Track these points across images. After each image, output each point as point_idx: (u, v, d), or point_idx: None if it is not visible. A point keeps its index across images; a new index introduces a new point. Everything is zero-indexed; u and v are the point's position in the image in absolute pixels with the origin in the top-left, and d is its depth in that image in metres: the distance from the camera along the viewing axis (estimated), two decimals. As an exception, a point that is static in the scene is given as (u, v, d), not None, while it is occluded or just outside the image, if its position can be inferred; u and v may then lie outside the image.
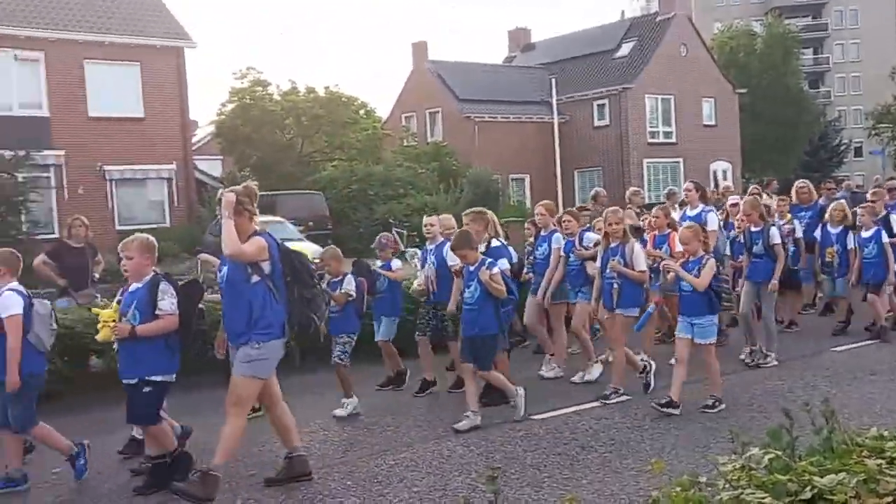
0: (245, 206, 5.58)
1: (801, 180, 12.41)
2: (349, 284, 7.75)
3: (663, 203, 11.39)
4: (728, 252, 10.16)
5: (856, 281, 10.34)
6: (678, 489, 2.63)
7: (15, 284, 6.00)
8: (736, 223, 10.04)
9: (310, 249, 19.53)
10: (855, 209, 10.92)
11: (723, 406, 7.32)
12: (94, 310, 6.21)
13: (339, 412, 7.70)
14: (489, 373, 7.23)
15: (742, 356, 9.16)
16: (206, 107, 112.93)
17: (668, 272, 7.58)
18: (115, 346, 5.89)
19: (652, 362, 8.30)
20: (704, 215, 10.01)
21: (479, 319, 7.07)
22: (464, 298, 7.28)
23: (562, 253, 8.83)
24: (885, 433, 2.89)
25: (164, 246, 15.98)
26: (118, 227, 24.29)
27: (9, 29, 23.78)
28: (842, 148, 57.08)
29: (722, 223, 10.51)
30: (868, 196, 12.22)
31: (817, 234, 10.91)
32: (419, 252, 9.25)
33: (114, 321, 5.75)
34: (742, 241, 9.53)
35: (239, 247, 5.43)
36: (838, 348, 9.86)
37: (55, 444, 6.18)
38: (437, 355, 8.86)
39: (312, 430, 7.32)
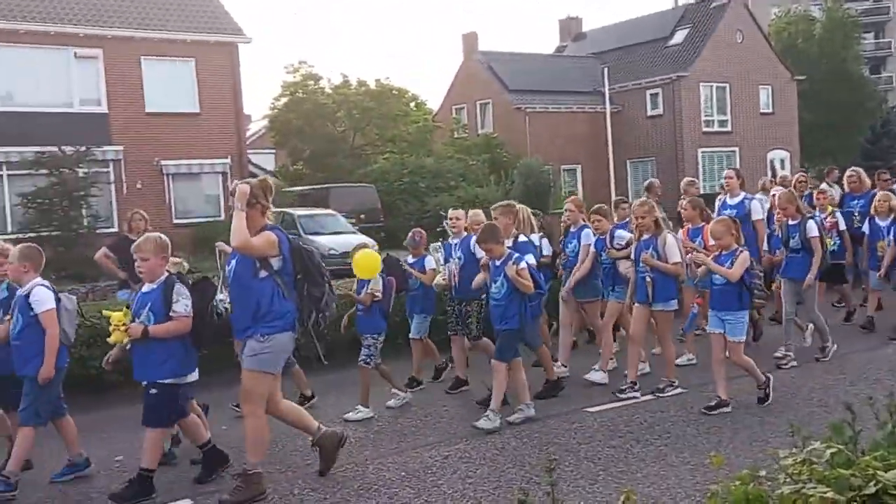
0: (258, 200, 5.51)
1: (852, 168, 11.90)
2: (376, 284, 7.55)
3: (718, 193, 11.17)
4: (766, 247, 9.69)
5: (884, 274, 9.89)
6: (737, 483, 2.59)
7: (41, 280, 6.02)
8: (775, 217, 9.71)
9: (361, 241, 19.74)
10: None
11: (769, 400, 7.20)
12: (105, 312, 6.18)
13: (350, 415, 7.44)
14: (499, 365, 7.03)
15: (777, 354, 8.84)
16: (259, 101, 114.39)
17: (699, 265, 7.44)
18: (127, 346, 5.76)
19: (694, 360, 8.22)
20: (748, 203, 9.76)
21: (505, 314, 6.99)
22: (490, 294, 7.19)
23: (592, 249, 8.60)
24: (953, 428, 2.82)
25: (219, 239, 16.25)
26: (174, 221, 24.77)
27: (68, 27, 24.34)
28: (905, 135, 55.46)
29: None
30: None
31: (866, 227, 10.36)
32: (442, 246, 9.06)
33: (124, 324, 5.68)
34: (780, 235, 9.19)
35: (247, 239, 5.35)
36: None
37: (71, 442, 6.23)
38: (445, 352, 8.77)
39: (367, 421, 7.39)
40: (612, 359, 8.80)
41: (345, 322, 7.89)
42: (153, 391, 5.63)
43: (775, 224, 9.54)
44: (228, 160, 26.90)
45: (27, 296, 5.89)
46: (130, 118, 25.15)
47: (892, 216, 9.99)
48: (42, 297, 5.89)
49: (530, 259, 7.69)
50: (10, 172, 23.43)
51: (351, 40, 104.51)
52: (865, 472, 2.47)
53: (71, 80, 24.63)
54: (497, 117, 39.25)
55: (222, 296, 5.82)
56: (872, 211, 10.32)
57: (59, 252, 21.31)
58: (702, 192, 16.68)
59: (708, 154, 38.60)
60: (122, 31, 25.12)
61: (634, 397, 7.56)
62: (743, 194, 9.96)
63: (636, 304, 7.79)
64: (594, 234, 8.65)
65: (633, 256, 7.89)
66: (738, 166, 38.47)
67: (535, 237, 8.78)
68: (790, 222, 8.98)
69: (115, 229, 21.26)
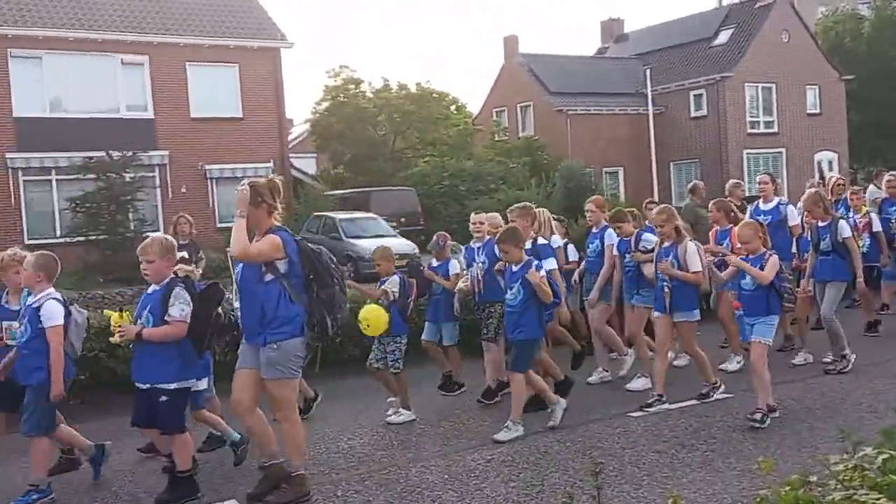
0: (265, 199, 5.40)
1: (890, 173, 11.45)
2: (392, 284, 7.46)
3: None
4: (794, 250, 9.39)
5: None
6: (787, 488, 2.55)
7: (54, 291, 5.94)
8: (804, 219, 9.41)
9: (401, 244, 19.82)
10: None
11: (768, 421, 6.66)
12: (106, 312, 6.14)
13: (392, 418, 7.46)
14: (516, 375, 6.87)
15: (825, 359, 8.66)
16: (301, 105, 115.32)
17: (719, 265, 7.30)
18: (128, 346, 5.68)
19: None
20: (783, 209, 9.53)
21: (520, 322, 6.83)
22: (506, 300, 7.04)
23: (615, 252, 8.45)
24: None
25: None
26: (218, 225, 25.06)
27: (115, 34, 24.81)
28: (958, 136, 54.15)
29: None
30: None
31: None
32: (463, 248, 8.91)
33: (119, 326, 5.64)
34: (809, 238, 8.93)
35: (245, 247, 5.27)
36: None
37: (78, 444, 6.22)
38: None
39: (409, 424, 7.41)
40: (606, 369, 8.73)
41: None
42: (164, 398, 5.55)
43: (805, 227, 9.32)
44: (271, 164, 27.18)
45: (38, 308, 5.82)
46: (175, 123, 25.57)
47: None
48: (52, 312, 5.81)
49: (552, 264, 7.59)
50: (59, 177, 23.94)
51: (392, 44, 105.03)
52: (920, 479, 2.42)
53: (118, 87, 25.11)
54: (538, 120, 39.13)
55: (238, 304, 5.72)
56: None
57: (106, 255, 21.77)
58: (747, 194, 16.41)
59: (753, 156, 38.05)
60: (167, 38, 25.55)
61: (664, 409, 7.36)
62: (777, 199, 9.75)
63: (656, 315, 7.63)
64: (617, 236, 8.49)
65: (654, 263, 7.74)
66: (784, 167, 37.98)
67: (556, 239, 8.71)
68: (820, 224, 8.75)
69: (161, 233, 21.58)
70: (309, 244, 5.61)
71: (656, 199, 19.85)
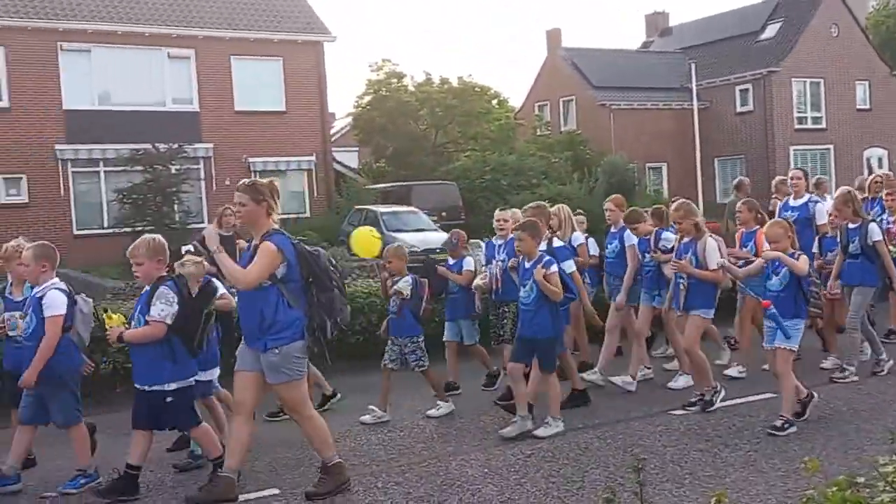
0: (265, 198, 5.40)
1: None
2: (403, 284, 7.38)
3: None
4: (815, 250, 8.90)
5: None
6: (834, 489, 2.51)
7: (58, 282, 5.96)
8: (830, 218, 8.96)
9: (441, 238, 19.85)
10: None
11: (793, 429, 6.46)
12: (106, 313, 6.14)
13: (432, 412, 7.51)
14: (548, 376, 6.82)
15: (824, 364, 8.49)
16: (343, 98, 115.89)
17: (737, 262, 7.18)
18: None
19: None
20: (812, 206, 9.23)
21: (534, 320, 6.75)
22: (520, 298, 6.96)
23: (636, 251, 8.30)
24: None
25: (304, 235, 16.57)
26: (262, 217, 25.27)
27: (162, 28, 25.18)
28: None
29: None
30: None
31: None
32: (483, 244, 8.80)
33: (109, 327, 5.66)
34: (837, 238, 8.53)
35: (244, 275, 5.31)
36: None
37: (83, 451, 6.02)
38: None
39: (449, 417, 7.42)
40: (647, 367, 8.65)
41: (383, 327, 7.73)
42: (169, 399, 5.59)
43: (831, 227, 8.88)
44: (313, 157, 27.39)
45: (41, 298, 5.84)
46: (220, 116, 25.89)
47: None
48: (53, 301, 5.83)
49: (570, 266, 7.49)
50: (107, 169, 24.38)
51: (434, 37, 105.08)
52: (973, 484, 2.37)
53: (164, 80, 25.47)
54: (581, 114, 38.86)
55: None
56: None
57: (152, 246, 22.06)
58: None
59: (800, 152, 37.39)
60: (213, 32, 25.85)
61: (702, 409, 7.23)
62: (808, 196, 9.48)
63: (676, 313, 7.53)
64: (636, 236, 8.34)
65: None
66: (832, 164, 37.29)
67: (577, 236, 8.65)
68: (850, 226, 8.35)
69: (205, 224, 21.88)
70: (306, 247, 5.57)
71: (700, 195, 19.62)
